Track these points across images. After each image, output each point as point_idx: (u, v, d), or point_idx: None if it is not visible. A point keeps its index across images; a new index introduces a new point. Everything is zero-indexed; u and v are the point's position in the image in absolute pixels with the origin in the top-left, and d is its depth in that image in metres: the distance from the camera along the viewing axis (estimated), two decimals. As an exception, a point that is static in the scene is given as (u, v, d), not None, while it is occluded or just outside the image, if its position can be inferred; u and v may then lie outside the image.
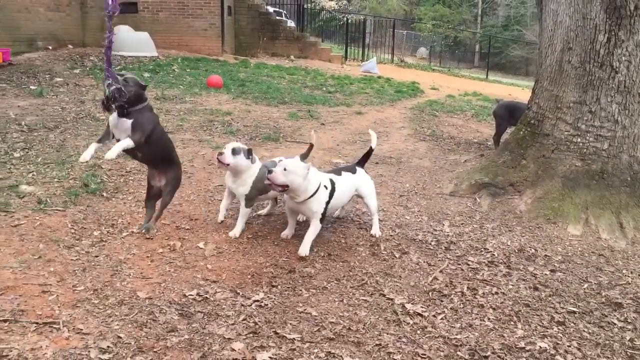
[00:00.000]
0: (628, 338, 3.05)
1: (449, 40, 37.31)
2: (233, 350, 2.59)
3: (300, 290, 3.25)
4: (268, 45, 18.07)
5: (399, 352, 2.72)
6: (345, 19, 25.68)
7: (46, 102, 7.32)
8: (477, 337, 2.93)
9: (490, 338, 2.93)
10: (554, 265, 3.97)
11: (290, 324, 2.87)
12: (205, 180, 5.07)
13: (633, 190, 4.80)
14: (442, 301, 3.28)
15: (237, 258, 3.59)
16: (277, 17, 19.35)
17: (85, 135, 5.98)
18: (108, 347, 2.50)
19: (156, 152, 3.60)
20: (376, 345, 2.76)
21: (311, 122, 8.19)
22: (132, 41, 12.99)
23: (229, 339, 2.68)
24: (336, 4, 34.39)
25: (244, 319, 2.86)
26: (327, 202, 3.74)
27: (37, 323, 2.61)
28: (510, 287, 3.55)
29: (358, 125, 8.34)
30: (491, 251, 4.08)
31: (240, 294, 3.12)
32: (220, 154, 3.79)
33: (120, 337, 2.59)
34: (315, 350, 2.65)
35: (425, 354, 2.72)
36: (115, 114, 3.37)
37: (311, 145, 4.32)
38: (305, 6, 22.67)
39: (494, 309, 3.24)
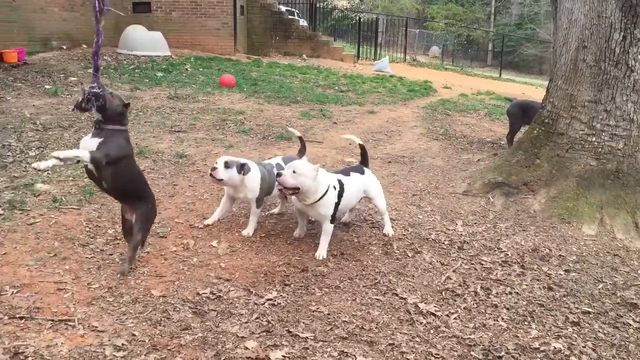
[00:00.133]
0: (644, 339, 3.02)
1: (462, 39, 37.08)
2: (246, 348, 2.60)
3: (313, 289, 3.25)
4: (280, 44, 18.12)
5: (412, 351, 2.72)
6: (357, 17, 25.70)
7: (61, 101, 7.38)
8: (491, 337, 2.91)
9: (504, 338, 2.92)
10: (568, 265, 3.93)
11: (303, 322, 2.88)
12: (218, 179, 5.07)
13: (649, 189, 4.75)
14: (455, 301, 3.27)
15: (250, 257, 3.60)
16: (290, 17, 19.38)
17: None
18: (123, 344, 2.52)
19: (122, 186, 3.14)
20: (389, 344, 2.76)
21: (323, 121, 8.18)
22: (145, 41, 13.05)
23: (243, 337, 2.69)
24: (348, 2, 34.43)
25: (257, 318, 2.87)
26: (337, 204, 3.70)
27: (52, 320, 2.64)
28: (524, 287, 3.53)
29: (370, 124, 8.32)
30: (505, 251, 4.06)
31: (254, 292, 3.13)
32: (214, 169, 3.73)
33: (135, 335, 2.61)
34: (329, 349, 2.66)
35: (438, 354, 2.72)
36: (88, 136, 3.11)
37: (300, 139, 4.35)
38: (317, 5, 22.72)
39: (507, 309, 3.23)
